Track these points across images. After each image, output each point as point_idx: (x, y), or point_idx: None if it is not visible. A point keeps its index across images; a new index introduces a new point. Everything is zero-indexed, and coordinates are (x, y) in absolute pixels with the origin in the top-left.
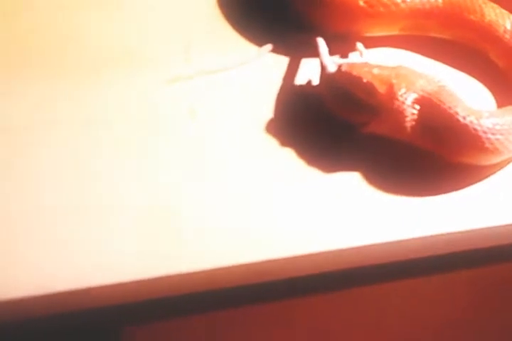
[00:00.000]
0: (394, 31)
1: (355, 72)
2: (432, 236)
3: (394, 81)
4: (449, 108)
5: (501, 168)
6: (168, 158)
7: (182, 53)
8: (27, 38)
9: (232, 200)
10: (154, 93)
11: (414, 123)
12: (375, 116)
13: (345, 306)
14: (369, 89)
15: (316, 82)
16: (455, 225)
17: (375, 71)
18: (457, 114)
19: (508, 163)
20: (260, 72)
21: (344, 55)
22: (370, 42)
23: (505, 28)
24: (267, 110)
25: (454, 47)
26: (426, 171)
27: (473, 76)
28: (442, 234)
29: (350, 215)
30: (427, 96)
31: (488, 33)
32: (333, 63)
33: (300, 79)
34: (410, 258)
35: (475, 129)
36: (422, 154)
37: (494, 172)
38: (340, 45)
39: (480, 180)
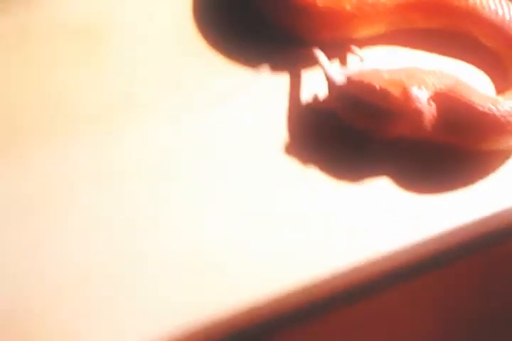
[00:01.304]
0: (381, 29)
1: (366, 80)
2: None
3: (406, 83)
4: (465, 99)
5: None
6: (192, 203)
7: (176, 91)
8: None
9: (267, 228)
10: (165, 133)
11: (433, 120)
12: (394, 120)
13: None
14: (384, 94)
15: (322, 95)
16: (493, 207)
17: (386, 76)
18: (474, 103)
19: None
20: (263, 94)
21: (341, 62)
22: (359, 44)
23: (490, 8)
24: (281, 132)
25: (442, 35)
26: (450, 164)
27: (468, 62)
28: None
29: (389, 218)
30: (440, 91)
31: (474, 16)
32: (339, 74)
33: (305, 95)
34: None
35: (494, 115)
36: (443, 149)
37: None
38: (331, 51)
39: (501, 165)
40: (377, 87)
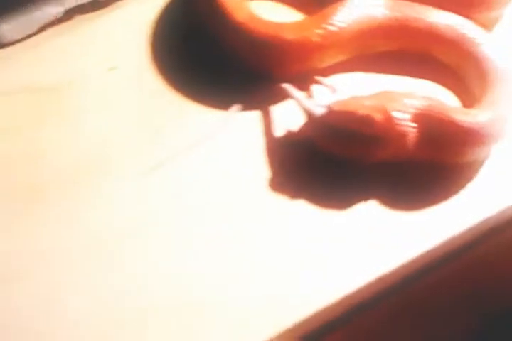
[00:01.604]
0: (345, 56)
1: (348, 109)
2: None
3: (388, 107)
4: (445, 116)
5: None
6: (175, 249)
7: (153, 140)
8: None
9: (261, 267)
10: (144, 185)
11: (415, 140)
12: (379, 145)
13: None
14: (368, 120)
15: (296, 127)
16: (477, 215)
17: (366, 102)
18: (454, 119)
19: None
20: (238, 132)
21: (312, 94)
22: (324, 74)
23: (446, 25)
24: (262, 168)
25: (404, 57)
26: (431, 179)
27: (430, 80)
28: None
29: (381, 240)
30: (420, 112)
31: (431, 35)
32: (317, 106)
33: (280, 129)
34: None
35: (474, 128)
36: (423, 165)
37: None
38: (300, 84)
39: (476, 174)
40: (360, 114)
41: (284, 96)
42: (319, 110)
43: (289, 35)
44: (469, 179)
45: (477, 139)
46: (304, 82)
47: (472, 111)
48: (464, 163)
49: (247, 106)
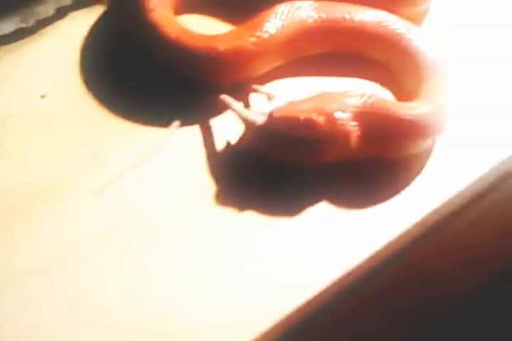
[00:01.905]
0: (278, 63)
1: (289, 114)
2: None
3: (328, 109)
4: (385, 110)
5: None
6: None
7: (95, 164)
8: None
9: (220, 280)
10: (92, 208)
11: (359, 138)
12: (324, 147)
13: None
14: (310, 124)
15: (237, 138)
16: (428, 206)
17: (306, 106)
18: (394, 113)
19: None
20: (180, 148)
21: (249, 103)
22: (259, 82)
23: (373, 22)
24: (208, 182)
25: (337, 57)
26: (379, 175)
27: (364, 78)
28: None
29: (338, 239)
30: (360, 110)
31: (360, 33)
32: (256, 115)
33: (221, 143)
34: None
35: (414, 121)
36: (369, 162)
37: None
38: (236, 94)
39: (424, 165)
40: (302, 118)
41: (223, 107)
42: (260, 119)
43: (223, 46)
44: (417, 172)
45: (419, 131)
46: (241, 92)
47: (411, 104)
48: (409, 156)
49: (188, 120)
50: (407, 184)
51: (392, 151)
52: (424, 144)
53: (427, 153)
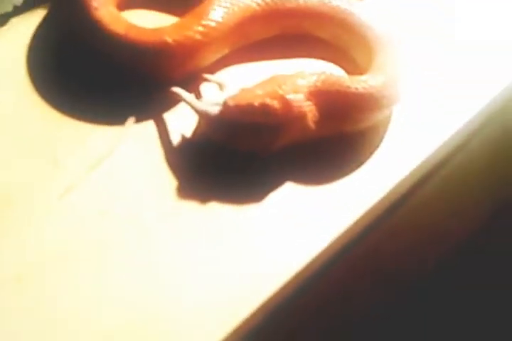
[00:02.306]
0: (227, 50)
1: (243, 102)
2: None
3: (281, 91)
4: (338, 87)
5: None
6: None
7: (54, 168)
8: None
9: (194, 274)
10: (57, 212)
11: (316, 117)
12: (281, 131)
13: None
14: (265, 110)
15: (192, 131)
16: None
17: (259, 91)
18: (349, 87)
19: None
20: (136, 146)
21: (201, 94)
22: (209, 71)
23: (320, 2)
24: (167, 176)
25: (286, 39)
26: (339, 151)
27: (317, 58)
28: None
29: (308, 220)
30: (313, 89)
31: (307, 14)
32: (209, 105)
33: (177, 136)
34: None
35: (368, 93)
36: (328, 139)
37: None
38: (187, 86)
39: (384, 135)
40: (257, 104)
41: (176, 100)
42: (214, 109)
43: (171, 38)
44: (376, 145)
45: (373, 103)
46: (192, 83)
47: (363, 78)
48: (367, 129)
49: (141, 116)
50: (368, 158)
51: (350, 126)
52: (380, 116)
53: (385, 125)
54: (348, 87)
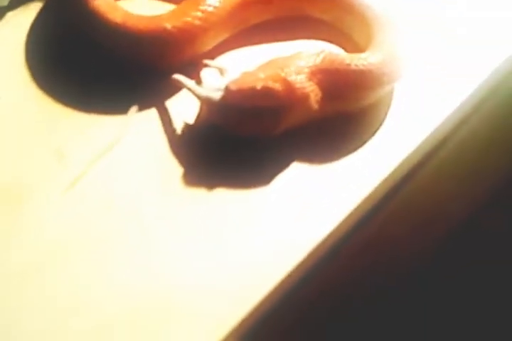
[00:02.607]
0: (226, 35)
1: (245, 86)
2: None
3: (282, 74)
4: (338, 65)
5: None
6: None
7: (59, 160)
8: None
9: (200, 262)
10: (64, 205)
11: (319, 97)
12: (285, 113)
13: None
14: (268, 93)
15: (195, 118)
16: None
17: (260, 74)
18: (348, 65)
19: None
20: (141, 135)
21: (201, 79)
22: (212, 55)
23: None
24: (171, 164)
25: (284, 22)
26: (344, 130)
27: (316, 39)
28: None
29: (317, 199)
30: (314, 69)
31: None
32: (213, 91)
33: (180, 123)
34: None
35: (370, 70)
36: (331, 118)
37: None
38: (188, 72)
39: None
40: (259, 88)
41: (177, 87)
42: (216, 94)
43: (170, 24)
44: (379, 123)
45: (374, 80)
46: (192, 70)
47: (363, 55)
48: (370, 109)
49: (144, 104)
50: (371, 136)
51: (351, 104)
52: (381, 93)
53: (387, 104)
54: (349, 64)
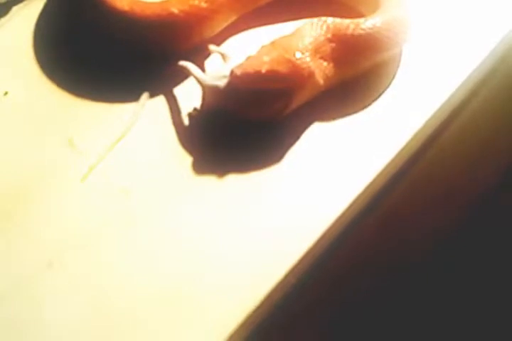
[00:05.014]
0: (234, 16)
1: (250, 69)
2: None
3: (286, 54)
4: (343, 31)
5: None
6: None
7: (73, 150)
8: None
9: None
10: (81, 194)
11: (327, 70)
12: (293, 94)
13: None
14: (274, 75)
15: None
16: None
17: (265, 58)
18: (354, 30)
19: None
20: (152, 123)
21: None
22: (217, 41)
23: None
24: (182, 152)
25: (290, 1)
26: (358, 93)
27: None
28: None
29: (334, 175)
30: (318, 42)
31: None
32: (218, 79)
33: (188, 110)
34: None
35: (378, 32)
36: (339, 91)
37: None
38: (193, 59)
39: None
40: (265, 71)
41: (185, 74)
42: (222, 81)
43: (178, 9)
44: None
45: (381, 41)
46: (196, 56)
47: (366, 19)
48: (377, 77)
49: (154, 92)
50: (382, 108)
51: (359, 69)
52: (386, 56)
53: (393, 70)
54: (354, 29)
